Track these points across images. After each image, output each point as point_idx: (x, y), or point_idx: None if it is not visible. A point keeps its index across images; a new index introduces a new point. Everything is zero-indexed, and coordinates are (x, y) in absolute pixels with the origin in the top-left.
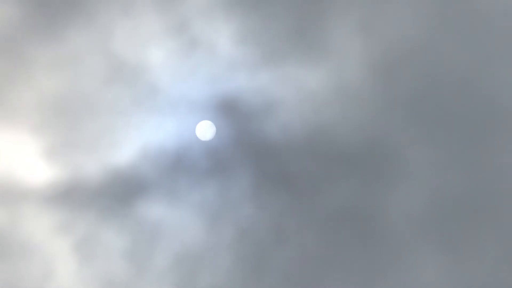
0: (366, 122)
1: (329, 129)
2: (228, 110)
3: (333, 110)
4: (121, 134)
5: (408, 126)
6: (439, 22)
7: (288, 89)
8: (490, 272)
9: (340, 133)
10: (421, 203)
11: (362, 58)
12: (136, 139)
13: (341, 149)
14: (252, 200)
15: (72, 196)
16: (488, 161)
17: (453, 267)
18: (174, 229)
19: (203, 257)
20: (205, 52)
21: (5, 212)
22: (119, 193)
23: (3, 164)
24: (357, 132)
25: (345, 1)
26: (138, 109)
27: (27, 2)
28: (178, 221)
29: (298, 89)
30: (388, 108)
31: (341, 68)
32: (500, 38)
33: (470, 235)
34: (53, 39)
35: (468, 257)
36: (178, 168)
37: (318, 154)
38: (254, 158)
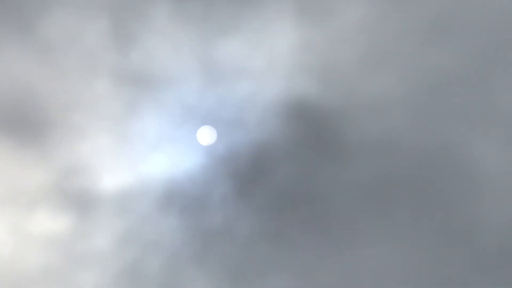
0: (308, 98)
1: (270, 108)
2: None
3: (265, 81)
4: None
5: (348, 104)
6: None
7: (231, 68)
8: (428, 244)
9: (282, 112)
10: (366, 179)
11: (296, 38)
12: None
13: (284, 130)
14: (200, 184)
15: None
16: (435, 129)
17: (395, 239)
18: (121, 212)
19: (149, 242)
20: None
21: None
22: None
23: None
24: (300, 109)
25: None
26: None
27: None
28: (126, 202)
29: (240, 67)
30: (326, 83)
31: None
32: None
33: (411, 210)
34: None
35: (409, 231)
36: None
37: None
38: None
